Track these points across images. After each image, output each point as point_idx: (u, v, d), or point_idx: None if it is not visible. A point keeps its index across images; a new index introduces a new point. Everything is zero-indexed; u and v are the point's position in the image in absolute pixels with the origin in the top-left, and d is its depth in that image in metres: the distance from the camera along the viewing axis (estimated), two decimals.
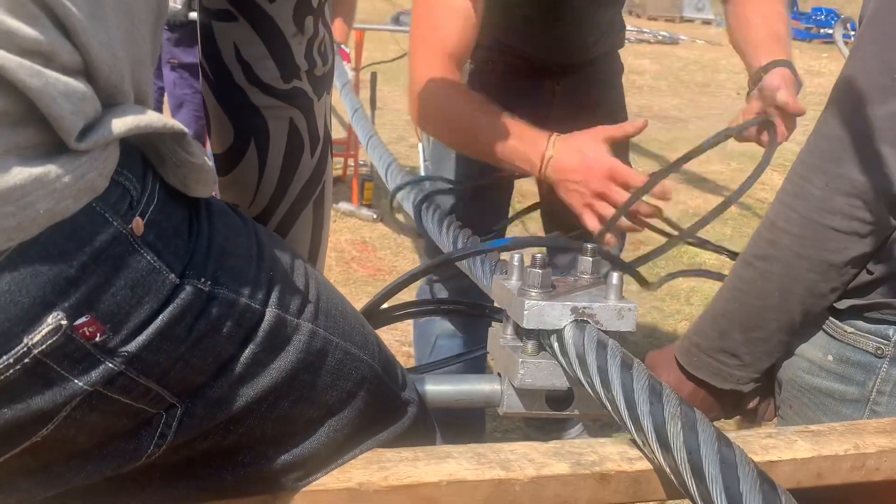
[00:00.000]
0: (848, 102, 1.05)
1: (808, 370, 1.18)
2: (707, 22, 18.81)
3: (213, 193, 0.82)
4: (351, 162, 5.82)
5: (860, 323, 1.13)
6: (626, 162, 2.40)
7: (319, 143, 1.06)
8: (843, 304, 1.14)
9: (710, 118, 9.15)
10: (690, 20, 18.52)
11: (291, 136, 1.03)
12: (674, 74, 11.71)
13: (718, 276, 1.39)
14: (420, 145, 2.68)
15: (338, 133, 6.04)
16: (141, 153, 0.72)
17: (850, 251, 1.08)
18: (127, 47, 0.70)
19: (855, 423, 1.06)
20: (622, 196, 1.63)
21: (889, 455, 1.00)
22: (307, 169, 1.06)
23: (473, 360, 2.52)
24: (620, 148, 2.37)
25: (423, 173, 2.67)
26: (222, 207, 0.81)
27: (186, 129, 0.73)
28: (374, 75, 5.27)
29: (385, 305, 1.28)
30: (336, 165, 6.10)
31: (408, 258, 4.57)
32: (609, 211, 1.66)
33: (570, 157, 1.68)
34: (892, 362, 1.11)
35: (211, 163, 0.78)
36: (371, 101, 5.33)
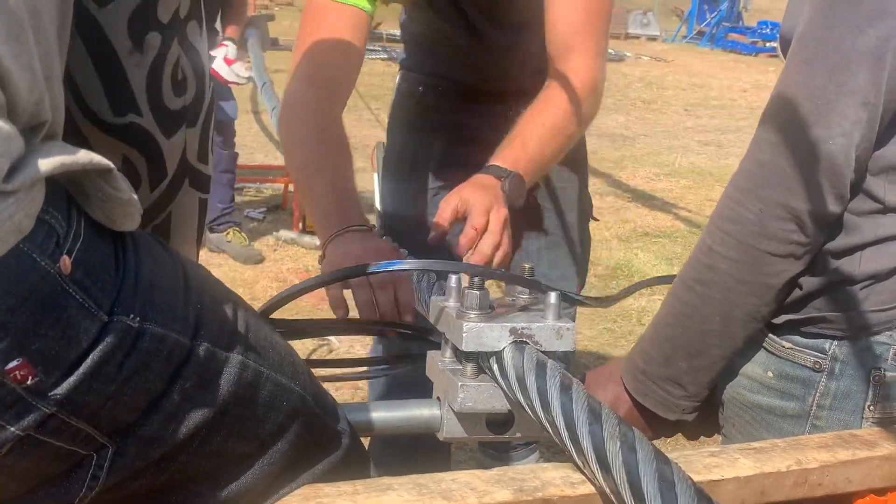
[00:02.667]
0: (777, 127, 1.06)
1: (749, 388, 1.19)
2: (653, 38, 19.03)
3: None
4: (291, 188, 5.73)
5: (797, 338, 1.14)
6: (585, 180, 2.40)
7: (166, 179, 0.94)
8: (780, 320, 1.14)
9: (657, 135, 9.25)
10: (636, 37, 18.71)
11: (124, 170, 0.88)
12: (620, 92, 11.83)
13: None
14: (375, 176, 2.59)
15: (277, 158, 5.98)
16: (65, 189, 0.70)
17: (787, 273, 1.09)
18: (42, 61, 0.68)
19: (797, 439, 1.06)
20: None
21: (831, 470, 1.00)
22: (144, 201, 0.92)
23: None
24: (580, 166, 2.37)
25: (377, 203, 2.58)
26: (147, 240, 0.79)
27: (112, 165, 0.71)
28: None
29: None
30: (275, 192, 6.02)
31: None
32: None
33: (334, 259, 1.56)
34: (830, 376, 1.11)
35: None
36: None
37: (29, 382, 0.64)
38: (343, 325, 1.47)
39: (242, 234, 5.05)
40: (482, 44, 2.06)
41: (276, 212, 5.74)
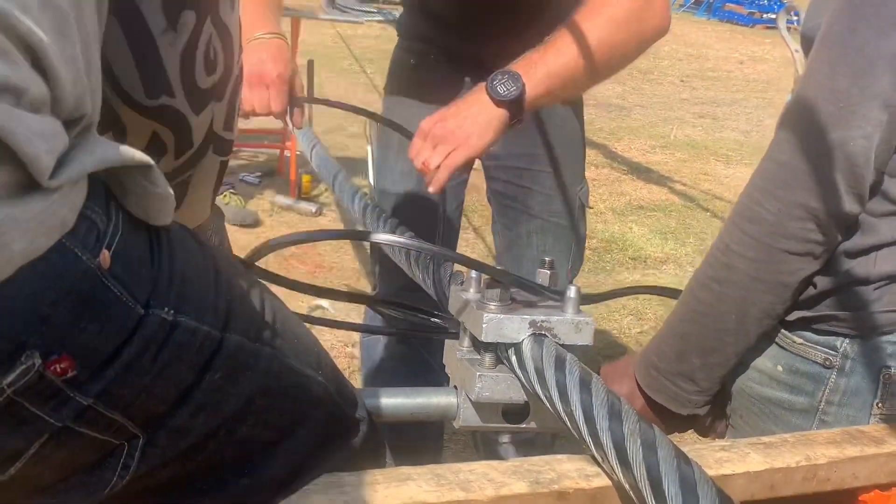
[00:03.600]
0: (799, 128, 1.07)
1: (759, 381, 1.21)
2: None
3: None
4: (288, 153, 5.66)
5: (809, 334, 1.16)
6: (578, 169, 2.36)
7: (192, 149, 0.93)
8: (793, 316, 1.16)
9: (653, 106, 9.23)
10: None
11: (152, 144, 0.89)
12: None
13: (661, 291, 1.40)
14: (368, 148, 2.57)
15: (273, 122, 5.95)
16: (104, 184, 0.71)
17: (804, 272, 1.10)
18: (83, 54, 0.68)
19: (806, 434, 1.08)
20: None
21: (839, 465, 1.03)
22: (166, 168, 0.92)
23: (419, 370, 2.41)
24: (575, 140, 2.34)
25: (370, 178, 2.55)
26: (180, 232, 0.80)
27: (152, 161, 0.72)
28: (310, 62, 5.18)
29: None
30: (272, 157, 6.00)
31: (349, 254, 4.51)
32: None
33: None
34: (840, 373, 1.14)
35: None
36: (308, 90, 5.25)
37: (68, 375, 0.66)
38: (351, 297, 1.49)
39: (239, 196, 5.04)
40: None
41: (271, 177, 5.72)
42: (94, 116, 0.72)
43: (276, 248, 1.17)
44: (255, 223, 4.89)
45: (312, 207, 5.17)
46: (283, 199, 5.26)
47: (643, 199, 5.93)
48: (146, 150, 0.84)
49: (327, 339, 3.51)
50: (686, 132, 8.12)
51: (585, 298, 1.51)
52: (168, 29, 0.82)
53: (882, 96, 1.02)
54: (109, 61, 0.82)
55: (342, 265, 4.37)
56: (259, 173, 5.71)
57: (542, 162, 2.27)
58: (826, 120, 1.03)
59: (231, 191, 4.97)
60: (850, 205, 1.05)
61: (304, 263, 4.30)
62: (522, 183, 2.29)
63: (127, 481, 0.75)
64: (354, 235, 1.36)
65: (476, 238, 4.49)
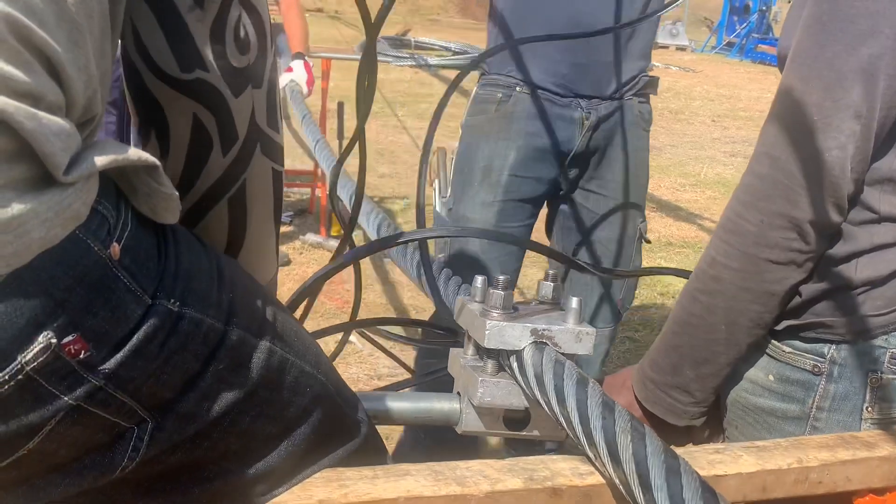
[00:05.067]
0: (777, 142, 1.11)
1: (752, 391, 1.23)
2: (682, 48, 18.96)
3: None
4: (319, 192, 5.75)
5: (797, 342, 1.18)
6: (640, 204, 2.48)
7: (238, 142, 0.95)
8: (781, 325, 1.19)
9: (684, 146, 9.25)
10: (665, 46, 18.66)
11: (196, 133, 0.92)
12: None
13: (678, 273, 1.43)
14: (436, 182, 2.63)
15: (304, 163, 6.03)
16: (114, 183, 0.78)
17: (789, 280, 1.13)
18: (96, 59, 0.75)
19: (799, 439, 1.10)
20: None
21: (831, 469, 1.05)
22: (217, 168, 0.95)
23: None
24: (642, 174, 2.43)
25: (437, 208, 2.62)
26: (186, 233, 0.87)
27: (157, 162, 0.78)
28: (340, 105, 5.29)
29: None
30: (303, 196, 6.10)
31: (376, 290, 4.57)
32: None
33: None
34: (829, 379, 1.16)
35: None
36: (338, 132, 5.34)
37: (82, 356, 0.71)
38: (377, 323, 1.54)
39: None
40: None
41: (302, 216, 5.82)
42: (102, 117, 0.79)
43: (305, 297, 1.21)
44: (286, 263, 4.96)
45: None
46: (313, 237, 5.34)
47: (673, 235, 5.94)
48: (192, 141, 0.92)
49: (353, 371, 3.55)
50: (717, 171, 8.12)
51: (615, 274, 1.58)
52: (194, 6, 0.86)
53: (853, 108, 1.05)
54: (143, 41, 0.87)
55: (370, 300, 4.42)
56: (291, 213, 5.80)
57: (609, 188, 2.41)
58: (802, 133, 1.06)
59: None
60: (830, 213, 1.09)
61: (332, 299, 4.35)
62: (588, 205, 2.40)
63: (137, 463, 0.80)
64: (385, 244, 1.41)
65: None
